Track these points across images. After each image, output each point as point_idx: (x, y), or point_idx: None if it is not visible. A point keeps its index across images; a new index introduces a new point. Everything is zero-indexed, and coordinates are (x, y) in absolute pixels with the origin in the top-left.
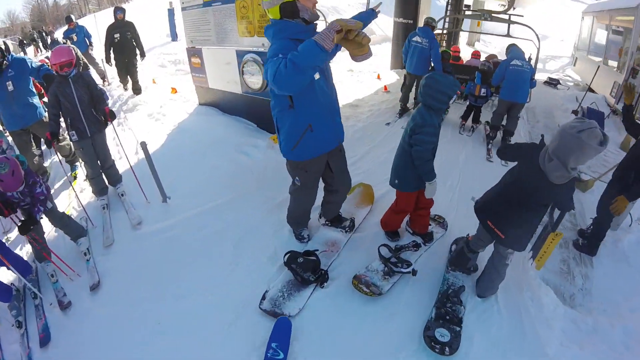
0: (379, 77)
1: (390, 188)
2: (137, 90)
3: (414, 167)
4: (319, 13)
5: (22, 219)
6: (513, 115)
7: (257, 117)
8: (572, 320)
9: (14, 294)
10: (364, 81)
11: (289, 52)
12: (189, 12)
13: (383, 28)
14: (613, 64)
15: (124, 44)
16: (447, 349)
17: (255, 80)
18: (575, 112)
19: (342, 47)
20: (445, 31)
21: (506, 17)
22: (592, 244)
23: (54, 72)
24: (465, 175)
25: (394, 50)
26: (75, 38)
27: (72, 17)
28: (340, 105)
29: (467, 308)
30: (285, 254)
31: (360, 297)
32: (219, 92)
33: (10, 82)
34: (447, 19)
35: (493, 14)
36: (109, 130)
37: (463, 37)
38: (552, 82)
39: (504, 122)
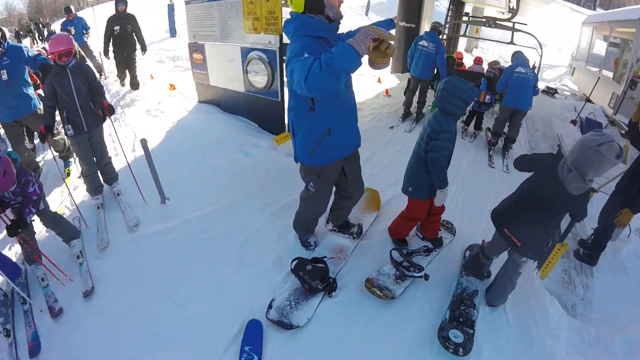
0: (379, 81)
1: (396, 194)
2: (135, 85)
3: (428, 173)
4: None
5: (12, 218)
6: (515, 122)
7: (260, 117)
8: (576, 330)
9: (2, 299)
10: (364, 84)
11: (315, 51)
12: (193, 7)
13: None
14: (611, 75)
15: (124, 37)
16: (460, 349)
17: (260, 79)
18: (574, 122)
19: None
20: (444, 36)
21: (510, 24)
22: (593, 254)
23: (51, 62)
24: (468, 181)
25: (395, 54)
26: (73, 31)
27: (72, 7)
28: None
29: (476, 327)
30: (293, 261)
31: (371, 305)
32: (220, 89)
33: (4, 71)
34: (448, 25)
35: (498, 22)
36: (105, 126)
37: (461, 42)
38: (550, 91)
39: (505, 130)
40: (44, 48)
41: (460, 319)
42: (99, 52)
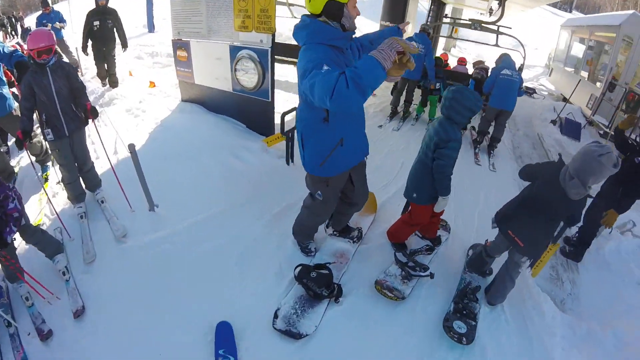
0: None
1: (390, 195)
2: (113, 82)
3: (433, 180)
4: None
5: None
6: (501, 122)
7: (248, 118)
8: (568, 325)
9: None
10: None
11: (333, 61)
12: (178, 2)
13: (363, 30)
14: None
15: (104, 33)
16: (464, 339)
17: (250, 79)
18: (553, 122)
19: None
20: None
21: (495, 27)
22: (578, 251)
23: (28, 60)
24: (456, 177)
25: None
26: (49, 26)
27: (49, 0)
28: None
29: (478, 319)
30: (296, 268)
31: (377, 310)
32: (206, 88)
33: None
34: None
35: (483, 24)
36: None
37: (440, 43)
38: (529, 91)
39: (490, 130)
40: (18, 43)
41: (463, 312)
42: (76, 48)
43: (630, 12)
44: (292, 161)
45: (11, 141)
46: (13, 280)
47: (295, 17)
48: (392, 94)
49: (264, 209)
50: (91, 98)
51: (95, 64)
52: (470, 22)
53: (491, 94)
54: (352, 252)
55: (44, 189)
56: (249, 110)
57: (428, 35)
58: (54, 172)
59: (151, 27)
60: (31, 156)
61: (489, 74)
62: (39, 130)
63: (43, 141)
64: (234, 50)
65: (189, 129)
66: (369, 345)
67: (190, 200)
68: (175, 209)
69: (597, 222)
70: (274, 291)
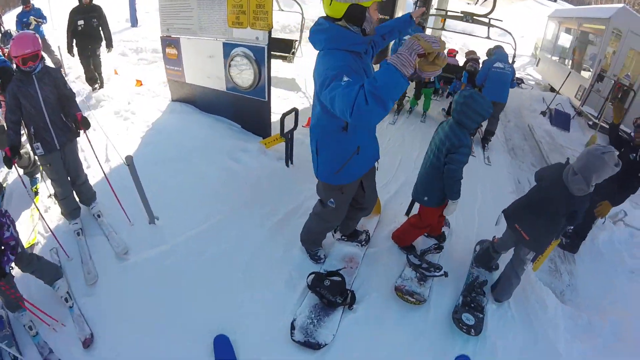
0: None
1: (391, 195)
2: (99, 83)
3: (441, 181)
4: (295, 3)
5: None
6: (494, 115)
7: (243, 118)
8: (569, 317)
9: None
10: None
11: (352, 70)
12: None
13: None
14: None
15: (90, 33)
16: (472, 330)
17: (245, 78)
18: (543, 113)
19: None
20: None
21: (486, 20)
22: (574, 243)
23: (11, 64)
24: None
25: None
26: (34, 22)
27: None
28: None
29: (485, 312)
30: (308, 276)
31: (391, 315)
32: (198, 87)
33: None
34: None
35: (475, 17)
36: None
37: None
38: (517, 81)
39: (483, 122)
40: None
41: (471, 304)
42: (58, 46)
43: (620, 5)
44: (292, 162)
45: None
46: (14, 310)
47: (281, 10)
48: None
49: (267, 215)
50: (76, 100)
51: (83, 66)
52: (462, 15)
53: (484, 86)
54: (361, 256)
55: (35, 204)
56: (244, 110)
57: (423, 29)
58: (45, 186)
59: (134, 21)
60: (19, 169)
61: (481, 65)
62: (24, 140)
63: (30, 152)
64: (228, 48)
65: (182, 131)
66: (386, 350)
67: (190, 209)
68: (176, 220)
69: (593, 215)
70: (287, 301)
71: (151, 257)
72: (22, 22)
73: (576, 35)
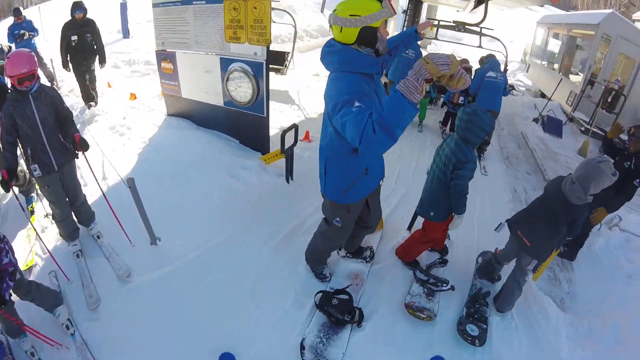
0: None
1: (392, 209)
2: (93, 98)
3: (448, 196)
4: (286, 14)
5: None
6: None
7: (241, 133)
8: (570, 324)
9: None
10: None
11: (364, 95)
12: (163, 10)
13: None
14: (573, 75)
15: (84, 48)
16: (477, 341)
17: (243, 93)
18: (536, 120)
19: None
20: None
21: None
22: (572, 250)
23: (6, 84)
24: None
25: None
26: (27, 35)
27: (21, 9)
28: (316, 114)
29: (489, 323)
30: (316, 295)
31: (399, 331)
32: (195, 102)
33: None
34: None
35: (467, 26)
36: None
37: None
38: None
39: None
40: None
41: (475, 316)
42: (50, 59)
43: (609, 11)
44: (292, 178)
45: None
46: (15, 336)
47: (273, 22)
48: None
49: (270, 233)
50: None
51: (78, 83)
52: (455, 24)
53: (477, 95)
54: (366, 273)
55: (31, 224)
56: (242, 126)
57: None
58: (42, 205)
59: (126, 33)
60: (14, 187)
61: (473, 75)
62: (21, 160)
63: (25, 170)
64: (225, 63)
65: (181, 147)
66: None
67: (193, 229)
68: (178, 240)
69: (589, 223)
70: (295, 321)
71: (154, 279)
72: (13, 34)
73: (565, 41)
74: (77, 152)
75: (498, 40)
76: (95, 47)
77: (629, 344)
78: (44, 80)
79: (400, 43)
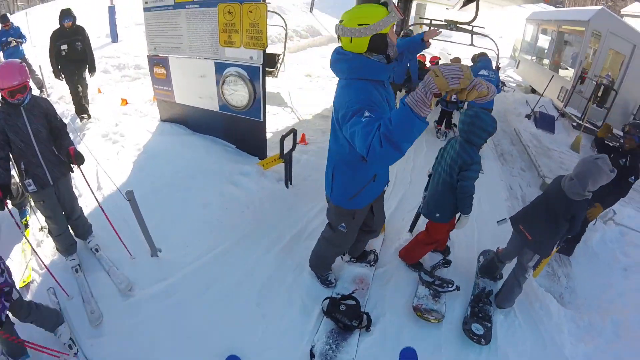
0: None
1: (392, 211)
2: (84, 106)
3: (453, 197)
4: (275, 14)
5: None
6: None
7: (238, 138)
8: (571, 319)
9: None
10: (325, 87)
11: (374, 103)
12: (155, 14)
13: (328, 28)
14: (563, 70)
15: (75, 57)
16: (482, 340)
17: (239, 98)
18: (528, 116)
19: None
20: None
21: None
22: (570, 246)
23: None
24: None
25: None
26: (14, 43)
27: (8, 15)
28: (311, 116)
29: (493, 321)
30: (323, 301)
31: (407, 330)
32: (189, 108)
33: None
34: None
35: (458, 25)
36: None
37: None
38: (500, 86)
39: None
40: None
41: (479, 315)
42: (39, 66)
43: (599, 7)
44: (291, 183)
45: None
46: (16, 356)
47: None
48: None
49: (272, 240)
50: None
51: (71, 94)
52: (446, 23)
53: None
54: (371, 277)
55: (26, 238)
56: (238, 130)
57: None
58: (37, 219)
59: (114, 37)
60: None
61: None
62: (13, 172)
63: (17, 182)
64: (220, 67)
65: (177, 153)
66: None
67: (194, 238)
68: (180, 250)
69: (587, 219)
70: (303, 328)
71: (157, 291)
72: (0, 41)
73: (555, 38)
74: (72, 165)
75: (491, 39)
76: (86, 55)
77: (629, 338)
78: (33, 88)
79: (405, 50)
